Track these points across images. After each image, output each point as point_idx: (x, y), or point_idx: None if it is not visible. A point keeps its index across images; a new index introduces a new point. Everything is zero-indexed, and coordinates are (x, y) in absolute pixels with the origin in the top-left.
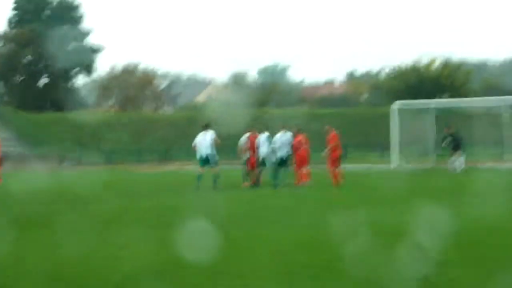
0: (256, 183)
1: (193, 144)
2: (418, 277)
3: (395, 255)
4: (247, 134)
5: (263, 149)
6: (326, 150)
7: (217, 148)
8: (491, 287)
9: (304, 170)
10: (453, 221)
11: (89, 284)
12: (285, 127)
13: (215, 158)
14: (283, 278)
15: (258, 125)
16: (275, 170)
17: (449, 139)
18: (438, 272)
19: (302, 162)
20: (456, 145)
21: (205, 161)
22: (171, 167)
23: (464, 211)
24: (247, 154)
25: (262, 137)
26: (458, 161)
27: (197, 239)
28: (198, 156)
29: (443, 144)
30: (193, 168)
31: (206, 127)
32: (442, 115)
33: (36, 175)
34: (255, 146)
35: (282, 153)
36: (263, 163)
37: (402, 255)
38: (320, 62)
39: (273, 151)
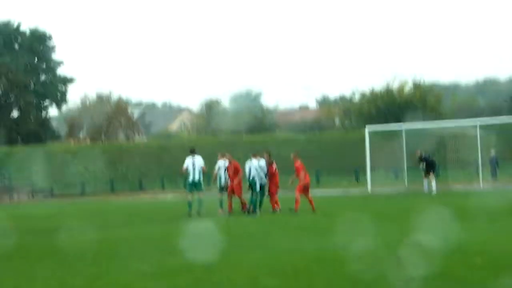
0: (248, 210)
1: (183, 168)
2: None
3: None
4: (222, 161)
5: (256, 176)
6: (292, 177)
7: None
8: None
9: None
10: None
11: None
12: (256, 155)
13: (201, 185)
14: None
15: (229, 152)
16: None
17: (423, 163)
18: None
19: (276, 189)
20: (429, 167)
21: (194, 186)
22: (145, 196)
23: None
24: (222, 181)
25: (254, 164)
26: (433, 183)
27: (173, 269)
28: (188, 181)
29: (421, 167)
30: (166, 197)
31: (193, 152)
32: (413, 137)
33: (7, 207)
34: (244, 172)
35: (260, 180)
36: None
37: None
38: (293, 87)
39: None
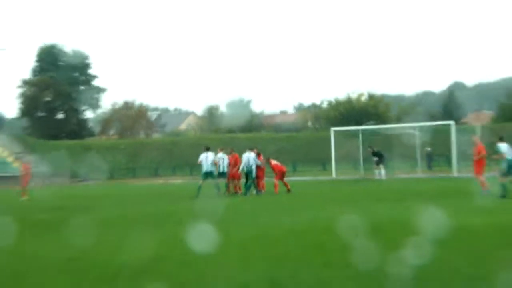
0: (243, 191)
1: (198, 161)
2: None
3: (329, 245)
4: (220, 154)
5: (254, 165)
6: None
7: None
8: None
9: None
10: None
11: (91, 272)
12: (253, 149)
13: (214, 174)
14: (242, 262)
15: (228, 147)
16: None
17: (376, 158)
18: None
19: (263, 174)
20: (379, 160)
21: (207, 175)
22: (159, 180)
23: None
24: (221, 168)
25: (252, 156)
26: (382, 172)
27: (183, 237)
28: (202, 171)
29: (374, 161)
30: (175, 182)
31: (207, 149)
32: (368, 137)
33: (54, 189)
34: (243, 163)
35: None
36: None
37: (332, 246)
38: (276, 95)
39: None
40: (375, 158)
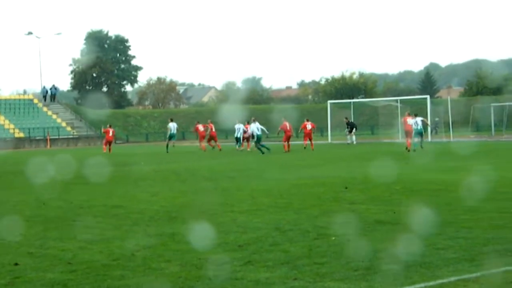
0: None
1: (250, 131)
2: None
3: (328, 196)
4: (237, 124)
5: (258, 132)
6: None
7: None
8: None
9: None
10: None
11: (131, 216)
12: (255, 119)
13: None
14: (253, 211)
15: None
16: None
17: (349, 127)
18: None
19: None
20: (351, 128)
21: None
22: (186, 143)
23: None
24: (237, 134)
25: (257, 125)
26: (353, 138)
27: (203, 189)
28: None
29: (346, 131)
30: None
31: (254, 120)
32: (358, 108)
33: (100, 150)
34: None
35: (259, 134)
36: (258, 139)
37: (330, 196)
38: (282, 73)
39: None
40: (348, 127)
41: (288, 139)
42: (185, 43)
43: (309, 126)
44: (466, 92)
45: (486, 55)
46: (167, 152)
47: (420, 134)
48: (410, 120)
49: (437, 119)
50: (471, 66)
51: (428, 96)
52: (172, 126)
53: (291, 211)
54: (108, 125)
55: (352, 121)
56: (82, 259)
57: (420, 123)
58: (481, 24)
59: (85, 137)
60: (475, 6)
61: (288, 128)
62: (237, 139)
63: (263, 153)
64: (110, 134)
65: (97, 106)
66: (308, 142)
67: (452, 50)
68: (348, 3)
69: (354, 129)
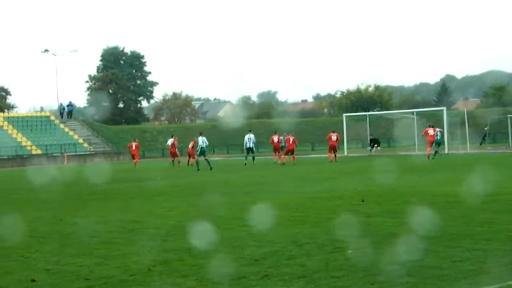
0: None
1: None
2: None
3: (343, 207)
4: (247, 135)
5: (203, 145)
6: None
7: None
8: None
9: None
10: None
11: (147, 232)
12: (251, 131)
13: (254, 149)
14: (269, 224)
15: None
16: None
17: (373, 142)
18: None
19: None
20: (375, 144)
21: (249, 151)
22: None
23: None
24: (247, 145)
25: (203, 138)
26: (373, 150)
27: (219, 203)
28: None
29: (372, 146)
30: (215, 159)
31: (249, 132)
32: (374, 121)
33: (117, 165)
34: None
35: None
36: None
37: (348, 209)
38: (298, 86)
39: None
40: (371, 143)
41: (287, 152)
42: (200, 58)
43: (334, 137)
44: (483, 104)
45: (502, 66)
46: (198, 170)
47: (438, 144)
48: (431, 131)
49: (486, 128)
50: (487, 77)
51: (444, 108)
52: (201, 140)
53: (308, 224)
54: (134, 139)
55: (376, 137)
56: (99, 274)
57: (439, 134)
58: (497, 36)
59: (102, 153)
60: (490, 17)
61: (290, 142)
62: (248, 150)
63: (198, 169)
64: (134, 147)
65: (113, 122)
66: (333, 154)
67: (468, 62)
68: (364, 17)
69: (377, 145)
